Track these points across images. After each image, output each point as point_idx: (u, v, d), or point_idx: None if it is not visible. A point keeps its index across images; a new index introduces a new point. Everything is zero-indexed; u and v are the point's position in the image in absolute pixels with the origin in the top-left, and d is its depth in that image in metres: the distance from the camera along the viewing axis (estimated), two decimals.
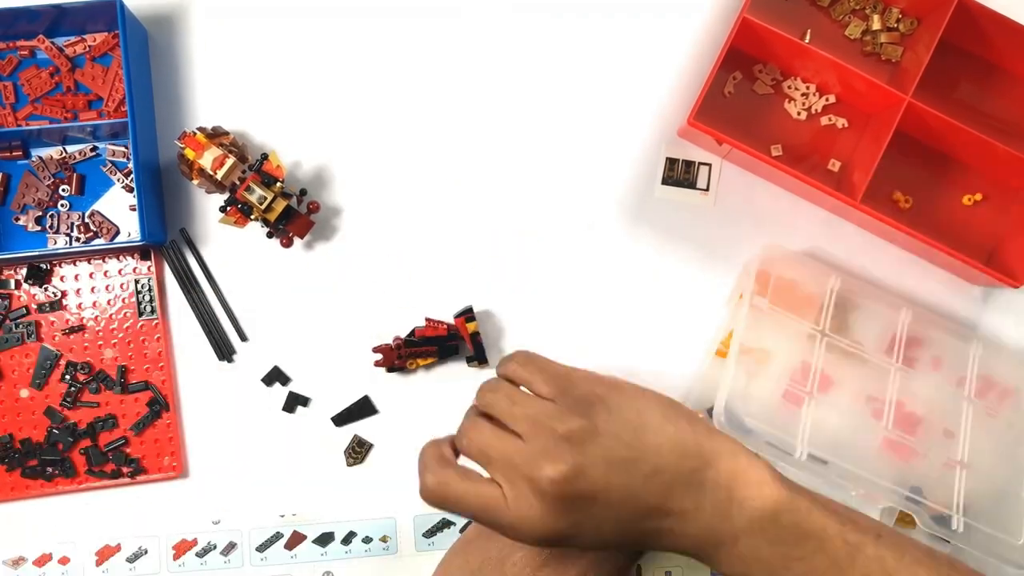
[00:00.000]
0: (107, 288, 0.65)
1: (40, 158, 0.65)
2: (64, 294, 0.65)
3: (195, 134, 0.61)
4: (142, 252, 0.66)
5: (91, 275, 0.65)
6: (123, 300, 0.65)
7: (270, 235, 0.65)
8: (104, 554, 0.65)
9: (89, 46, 0.66)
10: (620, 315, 0.68)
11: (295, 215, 0.63)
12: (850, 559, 0.48)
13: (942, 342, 0.66)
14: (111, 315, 0.65)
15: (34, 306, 0.65)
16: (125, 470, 0.65)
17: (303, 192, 0.65)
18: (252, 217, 0.62)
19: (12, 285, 0.65)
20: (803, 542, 0.48)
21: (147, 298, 0.65)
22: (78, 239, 0.65)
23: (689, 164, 0.68)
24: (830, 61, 0.64)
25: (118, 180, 0.66)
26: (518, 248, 0.68)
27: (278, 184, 0.62)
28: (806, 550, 0.48)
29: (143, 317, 0.65)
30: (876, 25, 0.68)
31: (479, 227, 0.68)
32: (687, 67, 0.69)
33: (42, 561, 0.65)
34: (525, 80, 0.69)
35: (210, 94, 0.67)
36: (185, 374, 0.67)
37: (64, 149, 0.66)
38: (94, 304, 0.65)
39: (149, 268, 0.66)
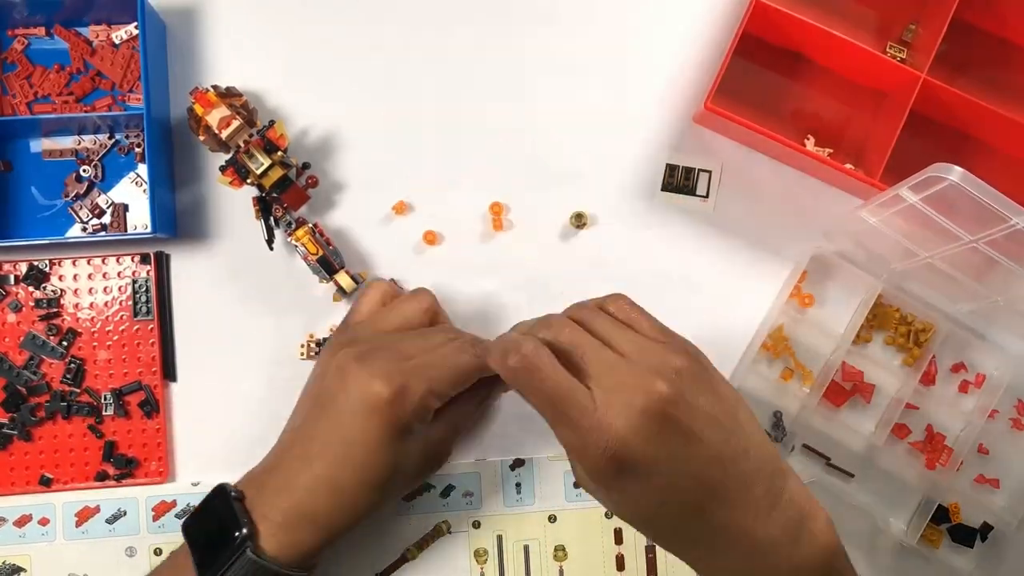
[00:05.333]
0: (105, 290, 0.66)
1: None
2: (62, 293, 0.65)
3: (207, 91, 0.62)
4: (142, 257, 0.66)
5: (90, 276, 0.66)
6: (120, 303, 0.66)
7: (270, 242, 0.65)
8: (83, 515, 0.65)
9: (107, 35, 0.67)
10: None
11: (290, 186, 0.63)
12: None
13: (979, 359, 0.69)
14: (107, 317, 0.66)
15: (31, 303, 0.65)
16: (112, 472, 0.65)
17: (305, 165, 0.65)
18: (248, 181, 0.62)
19: (12, 280, 0.65)
20: None
21: (143, 299, 0.66)
22: (98, 227, 0.66)
23: (689, 171, 0.68)
24: (844, 42, 0.64)
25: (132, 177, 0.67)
26: (520, 249, 0.68)
27: (279, 153, 0.62)
28: None
29: (138, 318, 0.66)
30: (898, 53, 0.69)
31: (475, 225, 0.68)
32: (691, 61, 0.69)
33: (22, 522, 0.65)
34: (528, 81, 0.69)
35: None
36: (179, 376, 0.66)
37: (81, 138, 0.66)
38: (91, 305, 0.66)
39: (148, 272, 0.66)
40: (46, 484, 0.65)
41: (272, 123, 0.63)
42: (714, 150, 0.69)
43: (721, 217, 0.69)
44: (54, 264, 0.66)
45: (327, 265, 0.64)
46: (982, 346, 0.69)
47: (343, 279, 0.64)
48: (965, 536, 0.68)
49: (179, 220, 0.67)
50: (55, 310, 0.65)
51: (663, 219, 0.69)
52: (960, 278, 0.65)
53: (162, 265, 0.66)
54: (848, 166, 0.65)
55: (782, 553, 0.46)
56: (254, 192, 0.64)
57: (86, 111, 0.66)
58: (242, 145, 0.62)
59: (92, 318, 0.66)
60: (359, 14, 0.69)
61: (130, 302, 0.66)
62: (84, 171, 0.66)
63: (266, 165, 0.62)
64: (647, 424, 0.44)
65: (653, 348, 0.47)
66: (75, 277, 0.66)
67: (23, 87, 0.66)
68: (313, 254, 0.64)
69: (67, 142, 0.66)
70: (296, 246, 0.64)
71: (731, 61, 0.63)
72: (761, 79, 0.69)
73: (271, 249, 0.66)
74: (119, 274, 0.66)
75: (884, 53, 0.67)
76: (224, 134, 0.61)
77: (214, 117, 0.61)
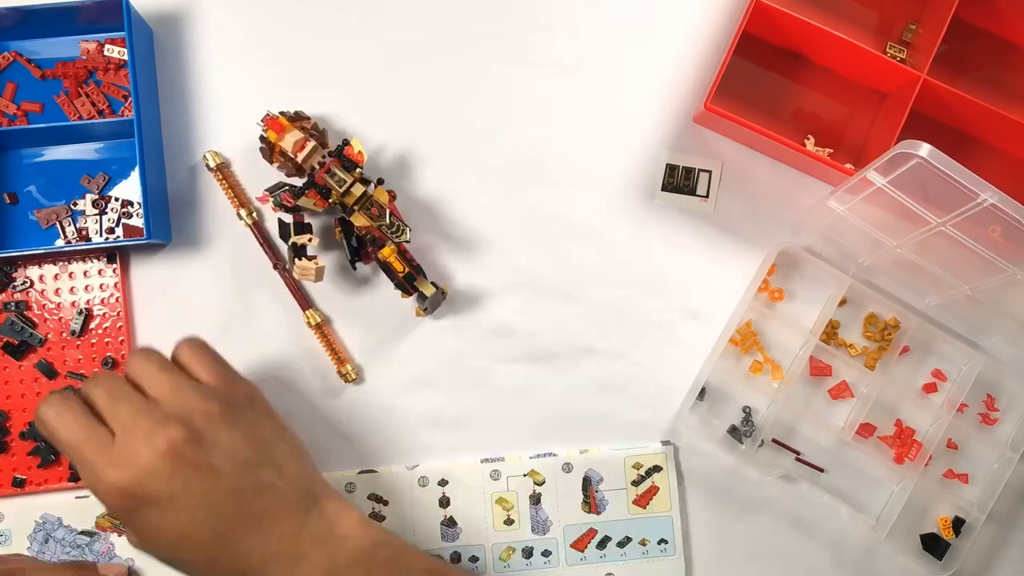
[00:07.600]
0: (71, 290, 0.65)
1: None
2: (27, 295, 0.64)
3: (278, 116, 0.62)
4: (108, 255, 0.65)
5: (56, 277, 0.65)
6: (87, 302, 0.65)
7: (354, 263, 0.65)
8: None
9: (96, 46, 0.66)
10: (616, 312, 0.68)
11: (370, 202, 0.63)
12: None
13: (948, 354, 0.69)
14: (73, 316, 0.64)
15: None
16: None
17: (380, 181, 0.65)
18: (331, 201, 0.62)
19: None
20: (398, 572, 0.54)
21: (112, 299, 0.65)
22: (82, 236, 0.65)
23: (689, 171, 0.68)
24: (844, 42, 0.64)
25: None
26: (520, 249, 0.68)
27: (358, 170, 0.62)
28: None
29: (107, 317, 0.64)
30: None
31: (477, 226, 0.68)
32: (691, 61, 0.69)
33: None
34: (528, 82, 0.68)
35: (216, 92, 0.67)
36: None
37: None
38: (58, 307, 0.65)
39: (115, 270, 0.65)
40: (19, 486, 0.64)
41: (347, 142, 0.62)
42: (714, 150, 0.69)
43: (721, 217, 0.68)
44: (19, 266, 0.64)
45: (412, 281, 0.63)
46: (951, 341, 0.68)
47: (426, 287, 0.63)
48: (933, 545, 0.67)
49: (173, 225, 0.66)
50: (24, 313, 0.64)
51: (663, 219, 0.68)
52: (928, 267, 0.65)
53: (128, 265, 0.65)
54: (848, 166, 0.65)
55: (316, 562, 0.52)
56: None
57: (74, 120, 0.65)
58: (317, 167, 0.62)
59: (60, 319, 0.65)
60: (347, 15, 0.68)
61: (99, 301, 0.65)
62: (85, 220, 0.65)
63: (349, 182, 0.61)
64: (159, 462, 0.49)
65: (185, 392, 0.52)
66: (41, 278, 0.65)
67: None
68: (400, 271, 0.62)
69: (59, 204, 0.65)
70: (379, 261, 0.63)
71: (731, 61, 0.63)
72: (761, 79, 0.69)
73: (354, 269, 0.65)
74: (85, 273, 0.65)
75: (884, 53, 0.67)
76: (300, 157, 0.61)
77: (288, 141, 0.61)
